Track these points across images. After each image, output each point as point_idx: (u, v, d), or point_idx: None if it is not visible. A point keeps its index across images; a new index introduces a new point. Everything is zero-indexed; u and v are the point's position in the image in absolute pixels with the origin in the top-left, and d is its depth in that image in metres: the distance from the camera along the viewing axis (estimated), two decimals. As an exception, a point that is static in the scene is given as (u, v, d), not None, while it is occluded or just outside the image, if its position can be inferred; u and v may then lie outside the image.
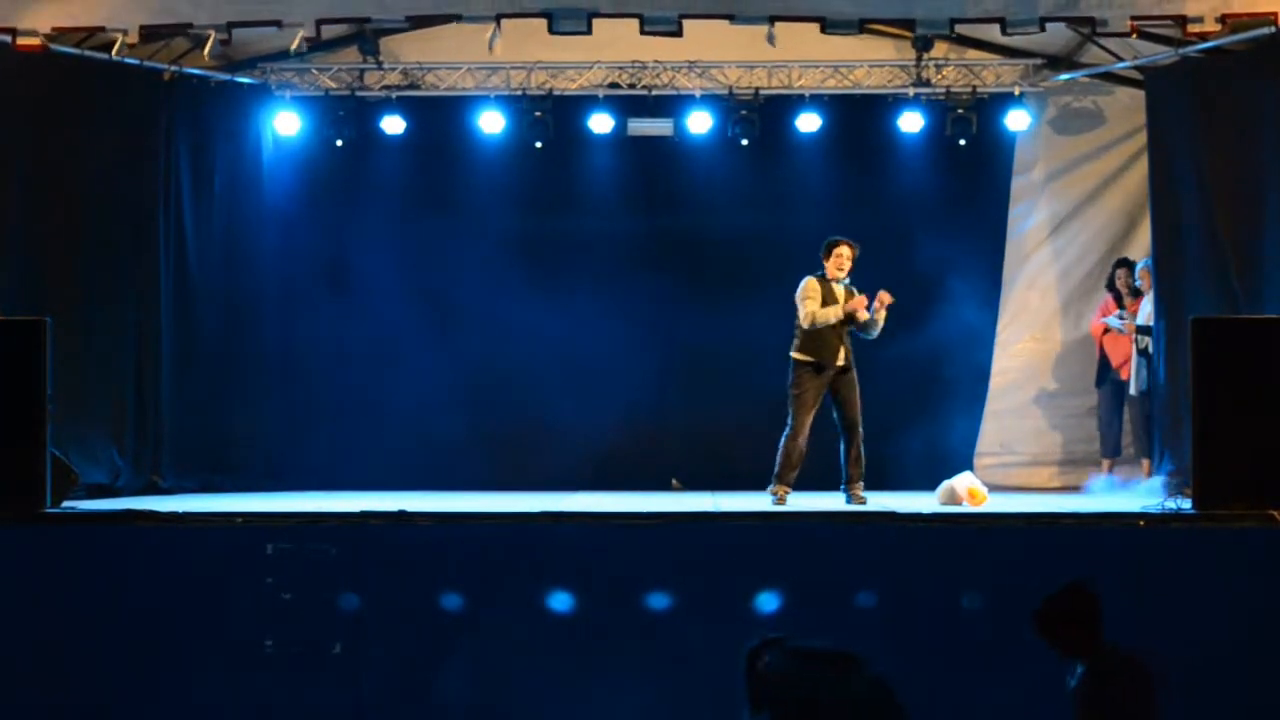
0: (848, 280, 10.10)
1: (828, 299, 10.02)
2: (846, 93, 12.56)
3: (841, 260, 10.05)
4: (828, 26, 11.20)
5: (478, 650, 7.76)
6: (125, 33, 10.95)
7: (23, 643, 7.74)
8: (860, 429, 9.98)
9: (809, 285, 10.05)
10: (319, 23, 11.15)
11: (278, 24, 11.13)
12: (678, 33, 11.25)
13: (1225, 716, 7.62)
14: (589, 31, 11.11)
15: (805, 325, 9.95)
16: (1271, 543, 7.73)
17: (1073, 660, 5.74)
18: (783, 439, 9.98)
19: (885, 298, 10.00)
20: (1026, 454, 12.87)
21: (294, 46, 11.72)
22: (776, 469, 9.97)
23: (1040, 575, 7.78)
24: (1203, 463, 8.25)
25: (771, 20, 11.33)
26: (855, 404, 9.97)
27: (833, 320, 9.94)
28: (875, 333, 10.11)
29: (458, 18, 11.29)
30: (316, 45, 12.19)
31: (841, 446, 10.02)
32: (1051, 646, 5.81)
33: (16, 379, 8.19)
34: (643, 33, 11.29)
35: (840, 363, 9.97)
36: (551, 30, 11.09)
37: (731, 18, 11.22)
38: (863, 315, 9.99)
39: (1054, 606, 5.81)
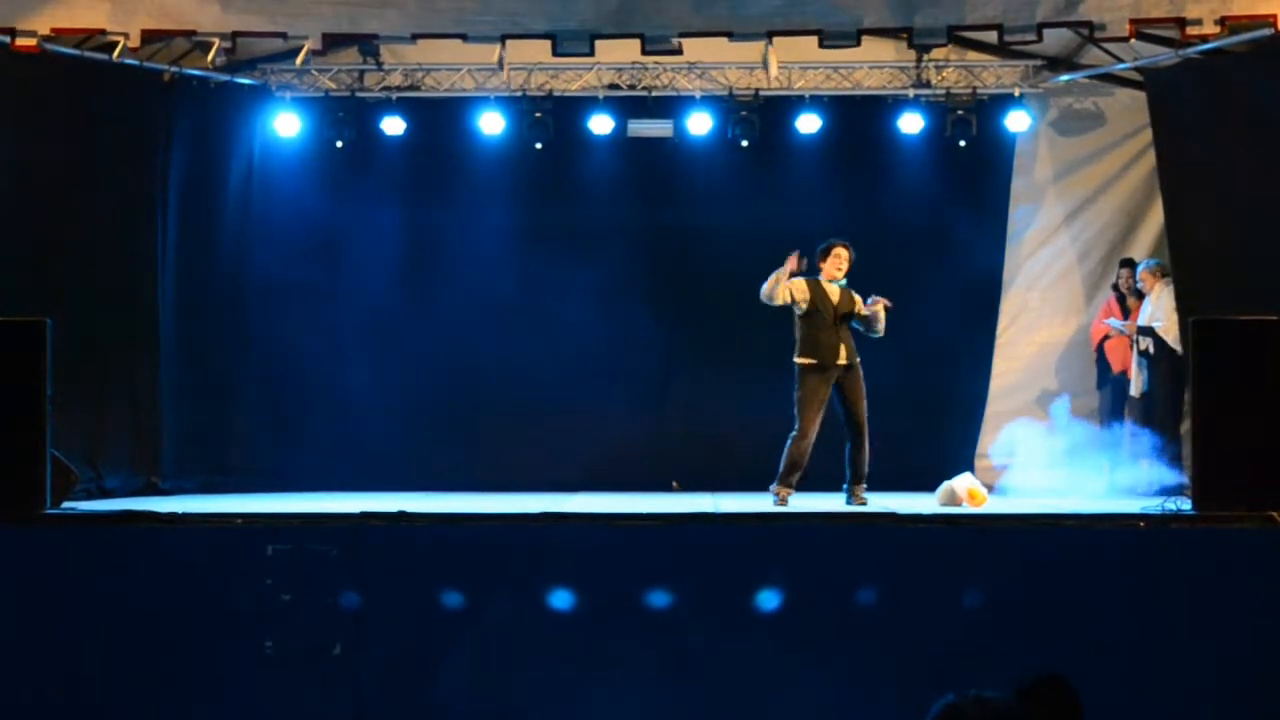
0: (844, 282, 10.13)
1: (818, 300, 10.05)
2: (846, 94, 12.56)
3: (840, 261, 10.11)
4: (825, 39, 11.25)
5: (478, 651, 7.76)
6: (126, 36, 10.97)
7: (22, 643, 7.74)
8: (866, 428, 10.00)
9: (795, 282, 10.07)
10: (325, 37, 11.21)
11: (283, 36, 11.17)
12: (678, 51, 11.32)
13: (1225, 718, 7.62)
14: (591, 53, 11.18)
15: (762, 297, 9.98)
16: (1271, 544, 7.73)
17: None
18: (789, 441, 10.00)
19: (883, 304, 10.05)
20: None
21: (300, 61, 11.77)
22: (781, 469, 9.99)
23: (1040, 577, 7.81)
24: (1202, 464, 8.25)
25: (770, 35, 11.37)
26: (861, 403, 10.00)
27: (775, 282, 9.88)
28: (879, 330, 10.13)
29: (464, 37, 11.34)
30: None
31: (847, 447, 10.04)
32: None
33: (17, 380, 8.20)
34: (644, 52, 11.36)
35: (842, 361, 9.99)
36: (555, 53, 11.17)
37: (730, 35, 11.27)
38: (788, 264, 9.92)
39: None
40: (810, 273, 10.17)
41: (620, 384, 12.61)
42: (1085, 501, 10.39)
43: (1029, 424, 11.48)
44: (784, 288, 9.97)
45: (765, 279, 10.04)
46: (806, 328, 10.07)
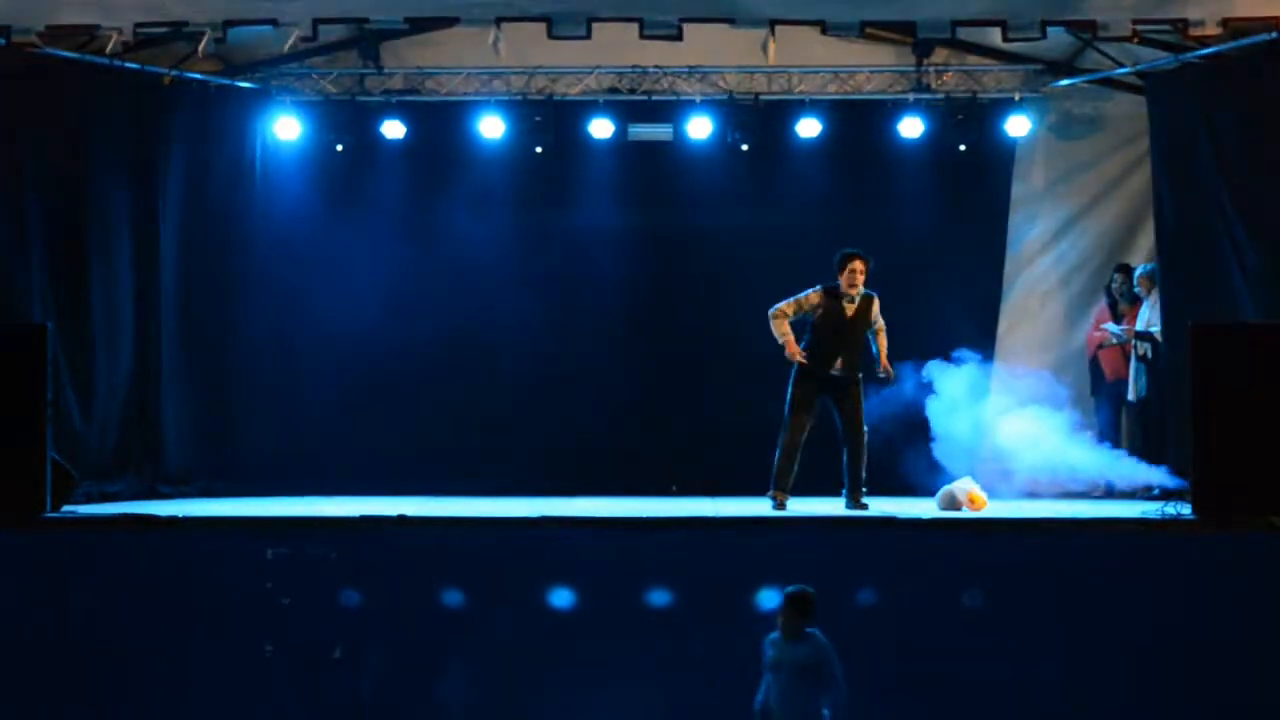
0: (865, 291, 10.13)
1: (829, 313, 10.04)
2: (847, 98, 12.56)
3: (854, 276, 10.08)
4: (828, 29, 11.23)
5: (477, 653, 7.77)
6: (120, 31, 10.94)
7: (23, 646, 7.75)
8: (862, 442, 9.98)
9: (805, 297, 10.10)
10: (316, 22, 11.15)
11: (274, 22, 11.12)
12: (677, 36, 11.27)
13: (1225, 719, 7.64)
14: (588, 36, 11.14)
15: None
16: (1270, 548, 7.74)
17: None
18: (779, 440, 10.01)
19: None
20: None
21: (289, 46, 11.74)
22: (774, 472, 9.97)
23: (1040, 580, 7.82)
24: (1202, 468, 8.25)
25: (771, 24, 11.34)
26: (856, 417, 10.00)
27: (778, 338, 10.04)
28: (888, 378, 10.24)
29: (457, 20, 11.30)
30: (317, 50, 12.20)
31: (844, 456, 10.04)
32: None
33: (17, 383, 8.20)
34: (642, 36, 11.31)
35: (834, 371, 9.99)
36: (551, 35, 11.11)
37: (732, 21, 11.23)
38: (793, 356, 10.02)
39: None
40: (828, 281, 10.16)
41: (620, 387, 12.61)
42: (1085, 506, 10.40)
43: (1028, 428, 11.48)
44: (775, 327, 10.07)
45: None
46: (813, 333, 10.10)
